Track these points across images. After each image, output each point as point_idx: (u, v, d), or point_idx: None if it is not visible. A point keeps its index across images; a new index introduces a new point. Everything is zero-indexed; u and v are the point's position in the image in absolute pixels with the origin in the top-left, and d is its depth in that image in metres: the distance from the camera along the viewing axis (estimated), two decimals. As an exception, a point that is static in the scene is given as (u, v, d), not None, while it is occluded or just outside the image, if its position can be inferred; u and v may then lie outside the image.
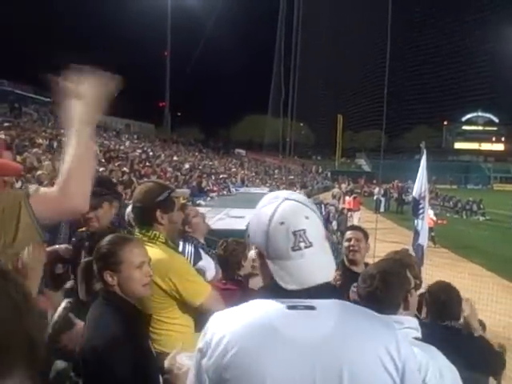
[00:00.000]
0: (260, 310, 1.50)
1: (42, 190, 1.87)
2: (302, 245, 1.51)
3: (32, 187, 1.85)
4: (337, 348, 1.42)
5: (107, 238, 2.63)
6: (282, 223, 1.52)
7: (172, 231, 3.23)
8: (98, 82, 1.92)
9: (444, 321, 3.43)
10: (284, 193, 1.65)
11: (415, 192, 10.20)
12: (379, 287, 2.33)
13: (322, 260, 1.55)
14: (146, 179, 19.87)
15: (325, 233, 1.62)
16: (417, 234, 9.97)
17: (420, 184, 10.05)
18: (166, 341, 2.88)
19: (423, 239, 9.93)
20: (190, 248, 4.21)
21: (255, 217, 1.62)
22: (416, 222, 10.04)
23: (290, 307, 1.46)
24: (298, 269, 1.51)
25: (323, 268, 1.55)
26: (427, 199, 10.24)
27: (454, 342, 2.95)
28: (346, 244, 4.56)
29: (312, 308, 1.46)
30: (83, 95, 1.89)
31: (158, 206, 3.08)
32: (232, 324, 1.50)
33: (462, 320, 3.49)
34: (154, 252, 2.88)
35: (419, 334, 2.23)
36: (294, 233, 1.51)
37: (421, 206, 9.95)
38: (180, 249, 3.96)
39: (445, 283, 3.74)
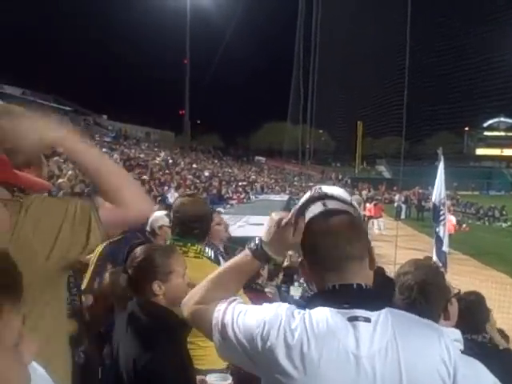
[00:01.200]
0: (325, 320, 1.49)
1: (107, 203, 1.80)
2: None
3: (97, 200, 1.79)
4: (395, 358, 1.44)
5: (146, 248, 2.61)
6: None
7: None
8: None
9: (464, 333, 3.26)
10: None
11: (434, 198, 10.13)
12: (418, 298, 2.26)
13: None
14: (166, 187, 20.01)
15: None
16: (439, 241, 9.86)
17: (439, 190, 9.98)
18: (202, 357, 2.85)
19: (445, 246, 9.81)
20: (210, 253, 4.20)
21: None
22: (438, 228, 9.93)
23: (351, 319, 1.48)
24: None
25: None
26: (446, 205, 10.13)
27: (476, 356, 2.81)
28: None
29: (369, 320, 1.48)
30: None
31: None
32: (299, 328, 1.49)
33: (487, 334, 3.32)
34: (191, 261, 2.91)
35: (462, 347, 2.15)
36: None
37: (442, 212, 9.86)
38: None
39: (469, 293, 3.59)
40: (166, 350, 2.29)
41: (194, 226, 3.12)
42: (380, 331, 1.46)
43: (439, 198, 9.94)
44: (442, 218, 9.86)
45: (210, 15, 68.95)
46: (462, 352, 2.07)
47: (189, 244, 3.09)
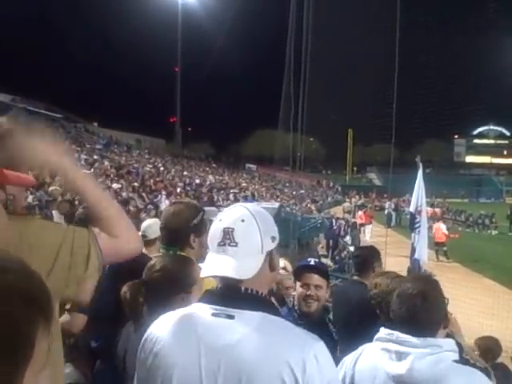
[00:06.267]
0: (187, 314, 1.70)
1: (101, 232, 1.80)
2: (227, 242, 1.64)
3: (94, 229, 1.78)
4: (240, 358, 1.52)
5: (168, 259, 2.61)
6: (220, 220, 1.71)
7: (200, 254, 3.06)
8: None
9: None
10: (247, 203, 1.83)
11: (412, 207, 10.17)
12: (420, 306, 2.17)
13: (240, 259, 1.63)
14: (157, 194, 19.97)
15: (262, 246, 1.67)
16: (413, 248, 9.90)
17: (416, 198, 10.01)
18: None
19: (420, 254, 9.82)
20: None
21: None
22: (413, 236, 9.98)
23: (214, 314, 1.62)
24: (215, 260, 1.65)
25: (239, 265, 1.63)
26: (424, 213, 10.14)
27: None
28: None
29: (231, 317, 1.58)
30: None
31: (192, 230, 2.97)
32: (162, 326, 1.71)
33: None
34: None
35: (457, 356, 2.11)
36: (224, 229, 1.66)
37: (417, 220, 9.90)
38: None
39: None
40: None
41: (177, 236, 3.00)
42: (237, 329, 1.56)
43: (415, 206, 9.98)
44: (417, 225, 9.89)
45: (201, 23, 69.16)
46: (457, 362, 2.08)
47: (170, 251, 3.01)
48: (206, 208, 3.40)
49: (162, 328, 1.70)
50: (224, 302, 1.61)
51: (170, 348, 1.62)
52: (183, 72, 71.17)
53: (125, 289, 2.46)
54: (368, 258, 4.47)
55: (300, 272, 3.68)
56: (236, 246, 1.62)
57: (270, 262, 1.70)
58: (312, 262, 3.73)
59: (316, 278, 3.57)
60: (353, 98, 78.10)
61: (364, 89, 77.62)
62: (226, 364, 1.52)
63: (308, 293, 3.52)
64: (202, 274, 1.69)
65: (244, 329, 1.55)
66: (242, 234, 1.63)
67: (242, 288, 1.63)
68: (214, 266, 1.64)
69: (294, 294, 3.69)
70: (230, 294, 1.63)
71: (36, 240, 1.62)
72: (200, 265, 1.65)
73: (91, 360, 3.14)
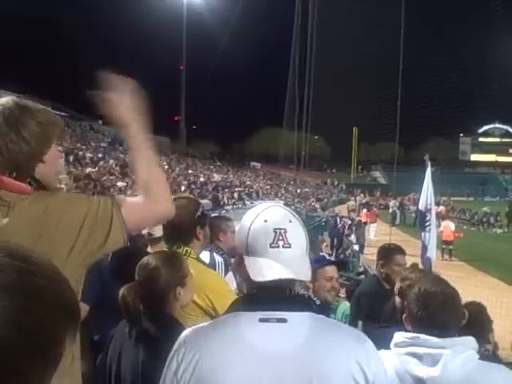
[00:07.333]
0: (232, 324, 1.54)
1: (129, 199, 1.89)
2: (281, 243, 1.54)
3: (119, 197, 1.87)
4: (307, 361, 1.44)
5: (157, 256, 2.60)
6: (266, 221, 1.58)
7: (203, 245, 3.20)
8: (128, 90, 2.04)
9: None
10: (273, 203, 1.77)
11: (421, 205, 10.09)
12: (446, 306, 2.15)
13: (297, 262, 1.57)
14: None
15: (307, 248, 1.63)
16: (424, 247, 9.84)
17: (425, 196, 9.94)
18: None
19: (431, 252, 9.77)
20: (219, 259, 4.08)
21: (241, 221, 1.66)
22: (423, 235, 9.91)
23: (262, 320, 1.49)
24: (272, 264, 1.53)
25: (298, 267, 1.56)
26: (433, 212, 10.07)
27: None
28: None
29: (283, 321, 1.48)
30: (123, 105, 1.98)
31: (197, 222, 3.05)
32: (203, 340, 1.54)
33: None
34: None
35: (477, 355, 2.07)
36: (275, 230, 1.55)
37: (427, 218, 9.82)
38: (208, 260, 3.74)
39: (469, 303, 3.47)
40: None
41: (182, 230, 3.01)
42: (295, 332, 1.47)
43: (425, 205, 9.91)
44: (427, 224, 9.82)
45: (206, 21, 69.08)
46: (481, 359, 2.07)
47: (175, 247, 3.03)
48: (201, 201, 3.46)
49: (200, 345, 1.53)
50: (270, 306, 1.51)
51: (218, 367, 1.46)
52: (188, 70, 71.21)
53: (124, 292, 2.44)
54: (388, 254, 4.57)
55: (323, 266, 3.84)
56: (289, 247, 1.54)
57: None
58: (329, 257, 3.97)
59: (336, 271, 3.89)
60: (357, 97, 77.91)
61: (368, 87, 77.45)
62: (292, 371, 1.43)
63: (334, 285, 3.81)
64: (265, 278, 1.51)
65: (302, 331, 1.48)
66: (292, 235, 1.56)
67: (287, 289, 1.55)
68: (276, 268, 1.52)
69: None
70: (276, 297, 1.53)
71: (63, 213, 1.71)
72: (248, 267, 1.55)
73: (93, 354, 3.15)
